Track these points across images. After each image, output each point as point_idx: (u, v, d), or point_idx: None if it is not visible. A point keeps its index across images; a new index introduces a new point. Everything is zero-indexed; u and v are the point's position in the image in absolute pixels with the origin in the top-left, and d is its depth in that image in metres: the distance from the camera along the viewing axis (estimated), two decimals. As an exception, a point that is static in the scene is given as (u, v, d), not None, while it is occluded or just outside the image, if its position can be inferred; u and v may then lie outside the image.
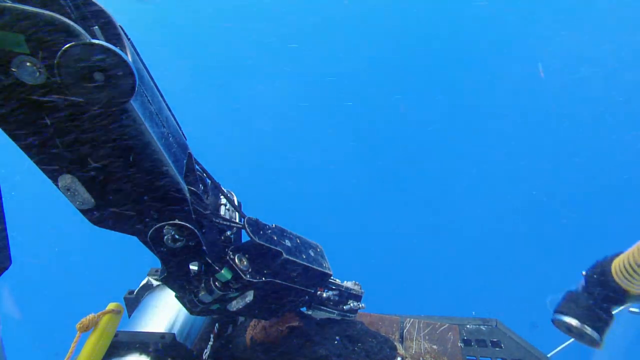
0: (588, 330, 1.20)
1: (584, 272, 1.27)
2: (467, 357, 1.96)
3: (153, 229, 1.05)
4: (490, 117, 12.83)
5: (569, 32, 11.58)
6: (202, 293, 1.24)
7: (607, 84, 11.57)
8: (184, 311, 1.50)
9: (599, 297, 1.19)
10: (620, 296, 1.15)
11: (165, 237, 1.07)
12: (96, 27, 0.82)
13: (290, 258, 1.37)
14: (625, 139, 11.03)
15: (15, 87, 0.73)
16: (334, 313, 1.77)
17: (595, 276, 1.17)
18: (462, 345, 2.01)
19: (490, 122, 12.56)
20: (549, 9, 12.07)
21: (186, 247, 1.11)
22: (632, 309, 1.63)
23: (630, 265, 1.03)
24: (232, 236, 1.37)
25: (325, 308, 1.72)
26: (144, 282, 1.82)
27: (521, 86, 12.33)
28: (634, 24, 11.24)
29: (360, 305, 1.84)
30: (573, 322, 1.22)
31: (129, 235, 1.07)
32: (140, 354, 1.35)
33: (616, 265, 1.10)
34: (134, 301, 1.78)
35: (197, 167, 1.31)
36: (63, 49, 0.68)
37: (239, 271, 1.23)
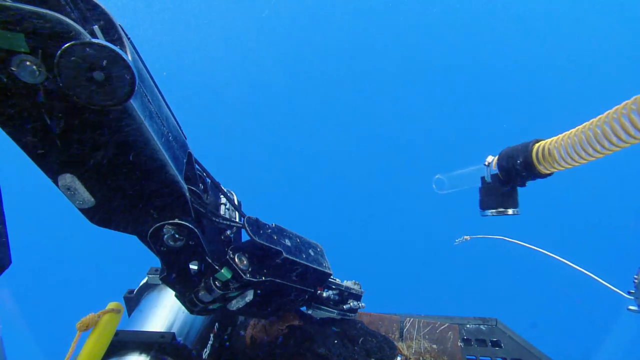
0: (510, 211, 1.49)
1: (486, 162, 1.50)
2: (467, 357, 1.96)
3: (153, 228, 1.05)
4: (490, 116, 12.84)
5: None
6: (202, 292, 1.24)
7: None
8: (183, 310, 1.50)
9: (513, 178, 1.41)
10: (532, 176, 1.35)
11: (165, 236, 1.07)
12: (96, 26, 0.82)
13: (290, 257, 1.37)
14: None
15: (15, 86, 0.73)
16: (334, 312, 1.76)
17: (518, 162, 1.35)
18: (462, 344, 2.01)
19: (490, 123, 12.57)
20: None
21: (186, 246, 1.11)
22: (630, 307, 1.64)
23: (548, 151, 1.21)
24: (232, 235, 1.37)
25: (325, 307, 1.72)
26: (143, 281, 1.82)
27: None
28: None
29: (360, 305, 1.84)
30: (500, 210, 1.50)
31: (129, 235, 1.07)
32: (140, 353, 1.35)
33: (536, 150, 1.28)
34: (133, 300, 1.78)
35: (197, 166, 1.31)
36: (63, 48, 0.68)
37: (238, 270, 1.23)
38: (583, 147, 1.07)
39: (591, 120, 1.05)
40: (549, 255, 1.88)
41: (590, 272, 1.74)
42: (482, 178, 1.54)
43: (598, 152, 1.04)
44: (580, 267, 1.77)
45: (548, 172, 1.28)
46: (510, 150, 1.38)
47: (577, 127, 1.11)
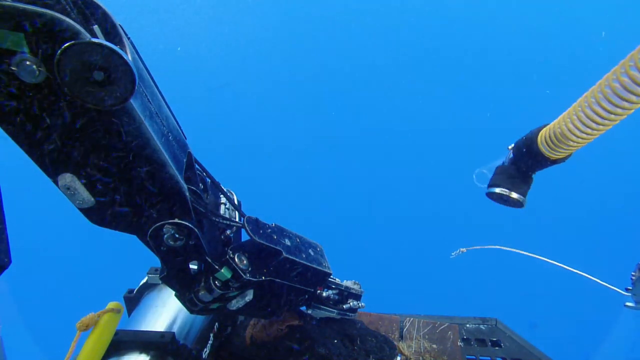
0: (515, 195, 1.40)
1: (510, 147, 1.43)
2: (467, 357, 1.96)
3: (153, 228, 1.05)
4: (491, 119, 12.84)
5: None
6: (202, 292, 1.24)
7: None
8: (183, 310, 1.50)
9: (524, 165, 1.37)
10: (543, 163, 1.31)
11: (165, 236, 1.07)
12: (96, 26, 0.82)
13: (290, 257, 1.37)
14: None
15: (15, 85, 0.73)
16: (333, 312, 1.77)
17: (524, 149, 1.32)
18: (462, 344, 2.01)
19: (493, 125, 12.58)
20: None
21: (186, 246, 1.11)
22: (627, 304, 1.65)
23: (554, 135, 1.16)
24: (231, 235, 1.37)
25: (325, 307, 1.72)
26: (143, 281, 1.82)
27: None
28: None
29: (360, 305, 1.84)
30: (504, 191, 1.41)
31: (129, 235, 1.07)
32: (140, 353, 1.35)
33: (542, 135, 1.24)
34: (133, 300, 1.78)
35: (197, 166, 1.31)
36: (63, 47, 0.68)
37: (238, 270, 1.23)
38: (596, 110, 0.97)
39: (597, 84, 0.97)
40: (547, 261, 1.87)
41: (588, 270, 1.74)
42: (502, 162, 1.50)
43: (618, 111, 0.94)
44: (577, 265, 1.76)
45: (556, 155, 1.23)
46: (524, 136, 1.36)
47: (579, 100, 1.04)
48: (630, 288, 1.65)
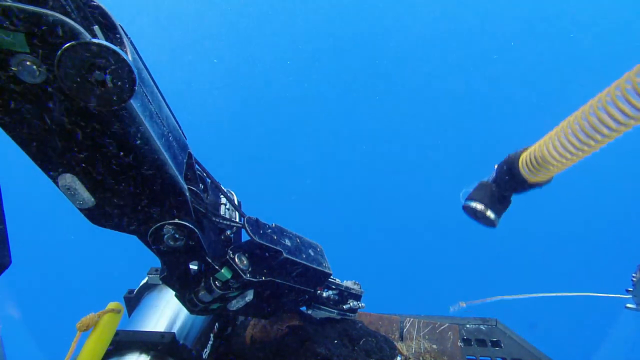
0: (489, 213, 1.39)
1: (496, 165, 1.41)
2: (467, 357, 1.96)
3: (153, 228, 1.05)
4: (490, 118, 12.84)
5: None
6: (202, 292, 1.24)
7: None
8: (184, 310, 1.50)
9: (504, 185, 1.36)
10: (522, 185, 1.30)
11: (165, 236, 1.07)
12: (96, 26, 0.82)
13: (290, 257, 1.37)
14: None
15: (15, 85, 0.73)
16: (333, 312, 1.77)
17: (505, 167, 1.31)
18: (462, 344, 2.01)
19: (493, 124, 12.58)
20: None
21: (186, 246, 1.11)
22: (628, 305, 1.65)
23: (535, 158, 1.16)
24: (232, 235, 1.37)
25: (325, 307, 1.72)
26: (144, 281, 1.82)
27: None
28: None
29: (360, 305, 1.84)
30: (479, 206, 1.39)
31: (129, 235, 1.07)
32: (140, 353, 1.35)
33: (523, 158, 1.24)
34: (134, 300, 1.78)
35: (197, 166, 1.31)
36: (63, 48, 0.68)
37: (238, 270, 1.23)
38: (578, 136, 0.97)
39: (581, 108, 0.96)
40: (548, 295, 1.87)
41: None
42: (487, 179, 1.48)
43: (604, 137, 0.94)
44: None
45: (535, 179, 1.23)
46: (506, 156, 1.35)
47: (562, 124, 1.03)
48: (631, 289, 1.65)
